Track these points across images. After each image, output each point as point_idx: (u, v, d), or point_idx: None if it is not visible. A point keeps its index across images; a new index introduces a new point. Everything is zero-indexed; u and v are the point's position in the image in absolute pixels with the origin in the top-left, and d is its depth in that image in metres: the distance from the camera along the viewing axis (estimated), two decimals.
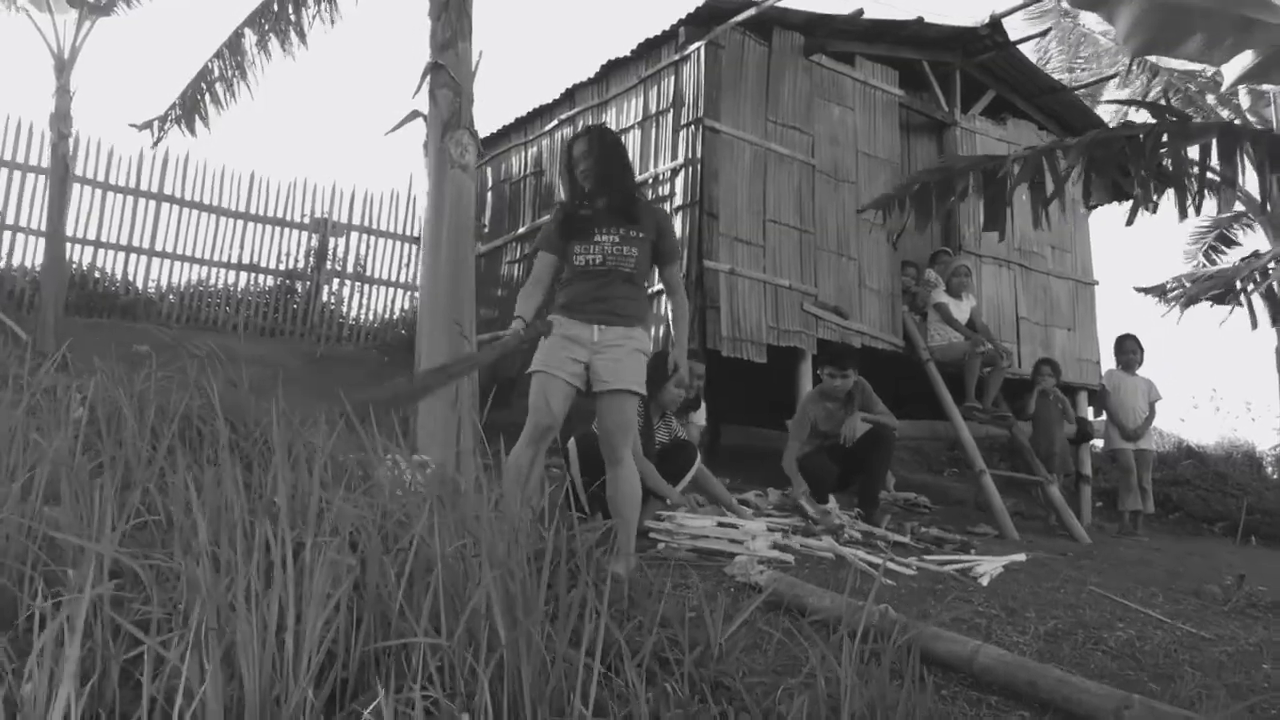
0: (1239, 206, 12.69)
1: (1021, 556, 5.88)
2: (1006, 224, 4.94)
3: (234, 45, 8.12)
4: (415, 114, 5.46)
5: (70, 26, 8.70)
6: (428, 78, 5.31)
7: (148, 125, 9.31)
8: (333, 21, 7.42)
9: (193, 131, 9.16)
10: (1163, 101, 11.01)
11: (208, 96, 8.89)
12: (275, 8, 7.49)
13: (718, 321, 7.40)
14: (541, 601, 2.31)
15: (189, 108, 9.03)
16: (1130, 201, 10.99)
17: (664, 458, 5.59)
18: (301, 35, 7.58)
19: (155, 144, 9.34)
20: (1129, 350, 9.21)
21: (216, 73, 8.72)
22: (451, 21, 5.30)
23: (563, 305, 4.14)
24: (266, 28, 7.64)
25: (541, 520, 3.42)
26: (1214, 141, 4.40)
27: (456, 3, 5.31)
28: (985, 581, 5.04)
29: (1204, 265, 14.96)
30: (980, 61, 9.51)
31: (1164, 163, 4.38)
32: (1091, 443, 9.81)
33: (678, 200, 7.71)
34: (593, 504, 5.01)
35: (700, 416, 6.79)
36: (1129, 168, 4.37)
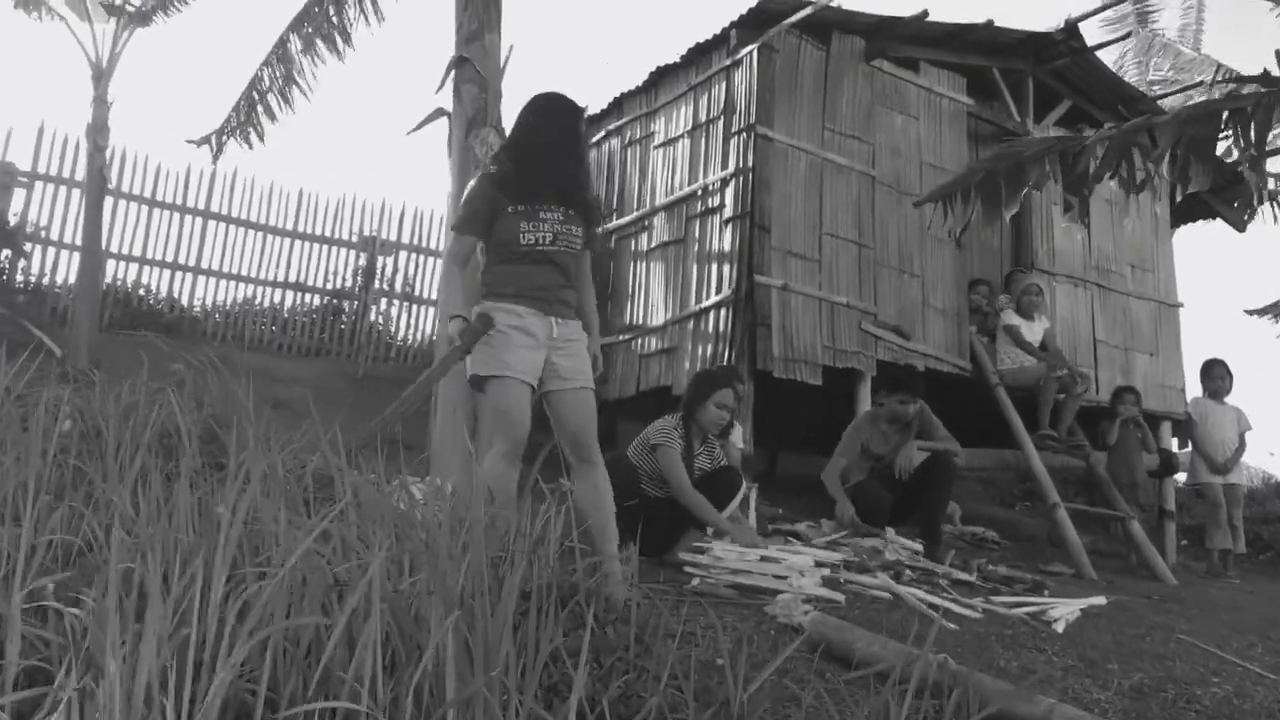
0: None
1: (1101, 599, 5.33)
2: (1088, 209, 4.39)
3: (281, 53, 7.96)
4: (440, 112, 5.10)
5: (108, 36, 8.53)
6: (452, 72, 4.96)
7: (205, 140, 9.20)
8: (378, 19, 7.18)
9: (249, 144, 9.09)
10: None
11: (260, 108, 8.77)
12: (316, 9, 7.27)
13: (769, 340, 6.93)
14: (504, 650, 1.86)
15: (243, 120, 8.90)
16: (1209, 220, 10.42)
17: (706, 485, 5.14)
18: (346, 36, 7.39)
19: (216, 159, 9.22)
20: (1217, 376, 8.57)
21: (267, 82, 8.59)
22: (478, 12, 4.95)
23: (512, 294, 3.63)
24: (310, 30, 7.44)
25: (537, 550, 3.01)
26: None
27: None
28: (1060, 627, 4.52)
29: None
30: (1054, 69, 8.97)
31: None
32: (1176, 476, 9.15)
33: (727, 212, 7.27)
34: (624, 535, 4.55)
35: (738, 438, 6.33)
36: (1237, 146, 3.78)
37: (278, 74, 8.53)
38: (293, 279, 11.86)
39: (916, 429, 6.26)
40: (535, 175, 3.69)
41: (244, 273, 11.61)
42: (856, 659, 3.12)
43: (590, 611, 2.75)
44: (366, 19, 7.25)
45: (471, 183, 3.77)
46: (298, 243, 11.91)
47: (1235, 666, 4.12)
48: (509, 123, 4.24)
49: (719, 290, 7.20)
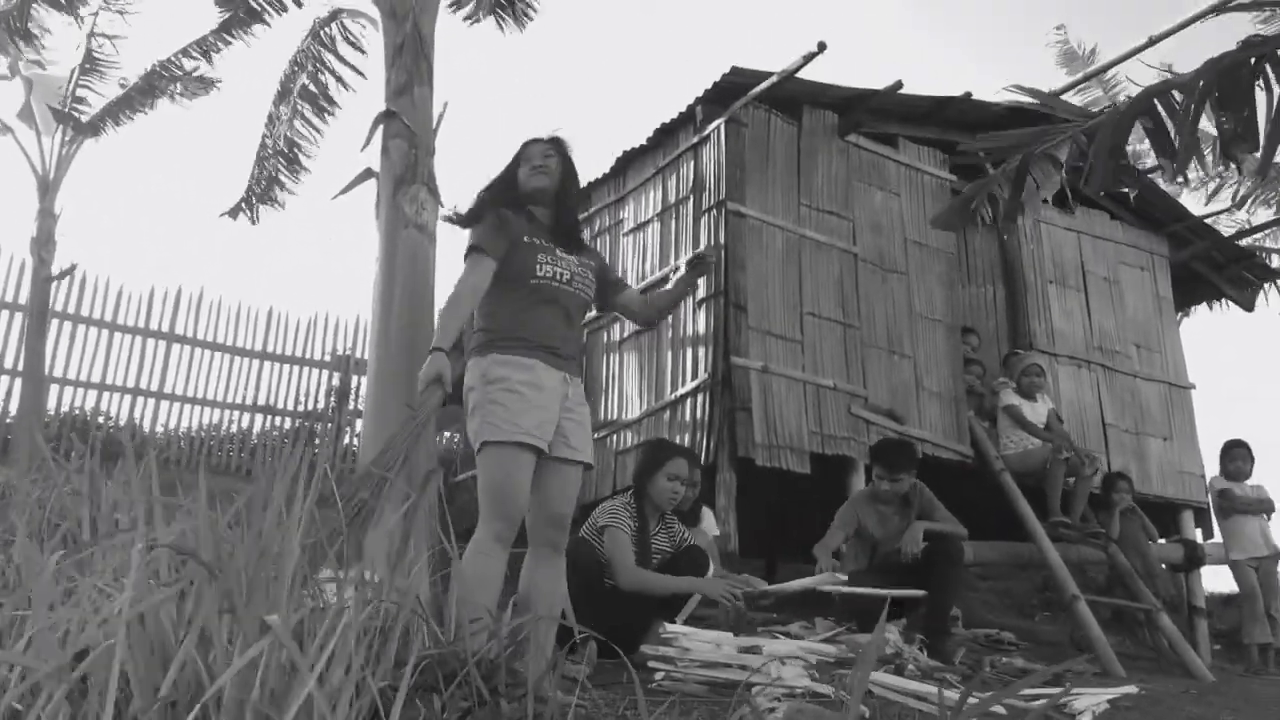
0: None
1: (1132, 688, 4.67)
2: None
3: (274, 125, 7.91)
4: (368, 173, 4.70)
5: (55, 146, 8.25)
6: (379, 128, 4.58)
7: (236, 209, 9.03)
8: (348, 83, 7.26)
9: (277, 203, 9.00)
10: None
11: (278, 175, 8.71)
12: (292, 85, 7.31)
13: (750, 425, 6.39)
14: None
15: (266, 188, 8.80)
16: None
17: (669, 569, 4.56)
18: (329, 100, 7.43)
19: (254, 221, 9.13)
20: (1239, 458, 7.99)
21: (271, 150, 8.50)
22: (406, 65, 4.60)
23: (521, 339, 3.14)
24: (295, 99, 7.47)
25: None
26: None
27: (412, 44, 4.61)
28: (1087, 719, 3.88)
29: None
30: None
31: None
32: (1200, 570, 8.46)
33: (700, 292, 6.80)
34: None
35: (711, 524, 5.77)
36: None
37: (282, 144, 8.58)
38: (262, 402, 11.40)
39: (919, 509, 5.68)
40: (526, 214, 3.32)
41: (210, 396, 11.16)
42: None
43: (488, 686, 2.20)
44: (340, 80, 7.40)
45: (470, 205, 3.31)
46: (267, 364, 11.49)
47: None
48: (443, 180, 3.83)
49: (695, 375, 6.70)
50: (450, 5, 7.34)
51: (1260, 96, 3.14)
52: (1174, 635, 6.83)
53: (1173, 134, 3.47)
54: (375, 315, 4.43)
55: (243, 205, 9.13)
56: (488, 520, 3.09)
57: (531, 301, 3.19)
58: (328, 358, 11.79)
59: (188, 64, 8.48)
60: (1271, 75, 3.10)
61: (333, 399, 11.71)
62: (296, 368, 11.65)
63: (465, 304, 3.15)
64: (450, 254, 9.82)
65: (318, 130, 8.56)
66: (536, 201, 3.32)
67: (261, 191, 9.04)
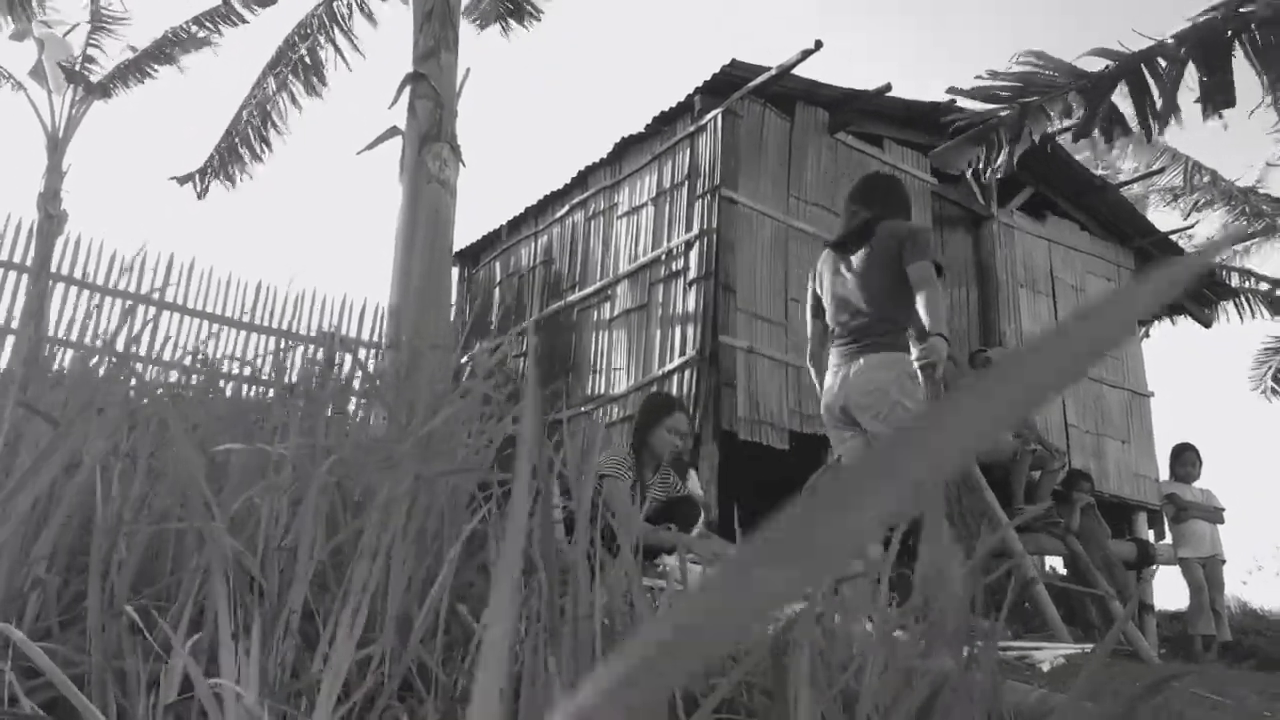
0: None
1: (1088, 646, 4.98)
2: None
3: (259, 92, 8.03)
4: (394, 130, 4.95)
5: (65, 105, 8.42)
6: (407, 88, 4.82)
7: (189, 178, 9.13)
8: (355, 52, 7.34)
9: (232, 182, 9.09)
10: None
11: (243, 147, 8.79)
12: (292, 54, 7.41)
13: (734, 401, 6.69)
14: None
15: (225, 160, 8.90)
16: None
17: (663, 515, 4.83)
18: (321, 77, 7.51)
19: (201, 196, 9.19)
20: (1188, 462, 8.37)
21: (245, 119, 8.62)
22: (434, 31, 4.86)
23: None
24: (286, 72, 7.57)
25: None
26: None
27: (440, 11, 4.88)
28: (1046, 667, 4.18)
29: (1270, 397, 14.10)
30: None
31: None
32: (1153, 567, 8.83)
33: (691, 273, 7.11)
34: None
35: (695, 485, 6.03)
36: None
37: (256, 114, 8.63)
38: (246, 373, 11.53)
39: None
40: None
41: (195, 364, 11.30)
42: None
43: None
44: (342, 55, 7.52)
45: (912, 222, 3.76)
46: (254, 335, 11.63)
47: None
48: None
49: (683, 352, 6.98)
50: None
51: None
52: (1124, 621, 7.17)
53: (1155, 95, 3.80)
54: (397, 263, 4.67)
55: (195, 175, 9.24)
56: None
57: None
58: (314, 333, 11.93)
59: (199, 32, 8.64)
60: (1242, 44, 3.45)
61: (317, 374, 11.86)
62: (283, 341, 11.80)
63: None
64: (470, 208, 10.17)
65: (299, 107, 8.65)
66: None
67: (219, 165, 9.16)
